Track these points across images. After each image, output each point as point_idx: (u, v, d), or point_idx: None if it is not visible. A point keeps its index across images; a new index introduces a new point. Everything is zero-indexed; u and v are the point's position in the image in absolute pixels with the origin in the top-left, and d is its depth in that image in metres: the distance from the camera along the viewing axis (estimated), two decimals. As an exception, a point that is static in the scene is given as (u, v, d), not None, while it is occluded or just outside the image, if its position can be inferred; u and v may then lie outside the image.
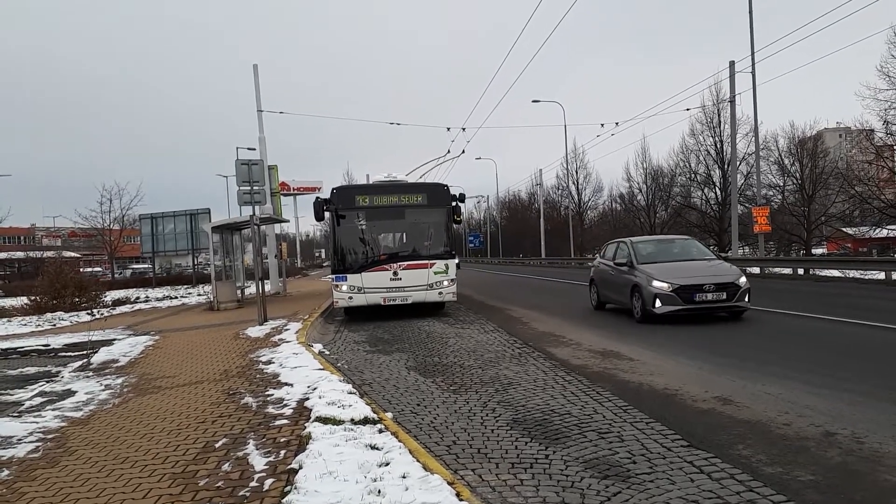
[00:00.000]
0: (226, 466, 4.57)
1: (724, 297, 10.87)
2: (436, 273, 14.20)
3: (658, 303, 11.02)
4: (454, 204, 14.65)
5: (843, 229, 41.03)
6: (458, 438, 5.18)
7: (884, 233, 33.93)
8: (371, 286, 13.97)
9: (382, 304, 14.05)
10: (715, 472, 4.15)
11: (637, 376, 7.21)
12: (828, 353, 7.97)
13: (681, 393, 6.32)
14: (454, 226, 15.09)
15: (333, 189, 14.91)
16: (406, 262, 14.16)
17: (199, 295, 27.59)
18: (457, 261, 14.93)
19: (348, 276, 14.04)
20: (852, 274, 21.51)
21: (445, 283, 14.31)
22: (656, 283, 11.12)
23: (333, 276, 14.52)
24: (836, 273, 22.53)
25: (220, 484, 4.23)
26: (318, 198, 14.42)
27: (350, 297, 14.04)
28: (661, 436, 4.95)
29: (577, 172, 58.10)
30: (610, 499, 3.84)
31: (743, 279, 11.22)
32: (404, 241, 15.48)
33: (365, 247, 14.44)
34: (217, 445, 5.08)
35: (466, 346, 9.96)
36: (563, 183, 58.99)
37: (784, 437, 4.81)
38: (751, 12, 24.37)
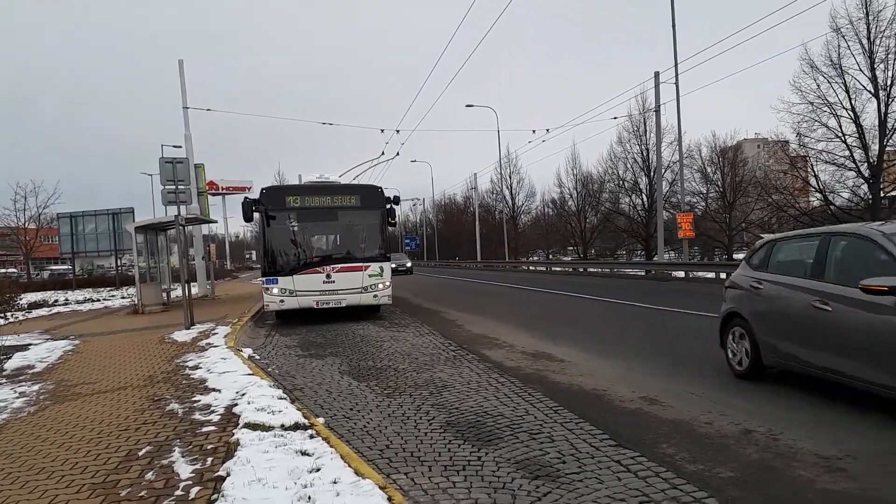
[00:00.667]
0: (149, 475, 4.39)
1: None
2: (370, 276, 14.05)
3: None
4: (388, 206, 14.51)
5: (762, 235, 43.11)
6: (392, 442, 5.15)
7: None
8: (303, 289, 13.71)
9: (315, 307, 13.78)
10: (641, 470, 4.27)
11: (568, 377, 7.36)
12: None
13: (609, 393, 6.49)
14: (389, 228, 14.95)
15: (263, 189, 14.53)
16: (340, 265, 13.99)
17: (123, 297, 26.47)
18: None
19: (279, 278, 13.74)
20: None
21: (380, 285, 14.17)
22: None
23: (264, 278, 14.12)
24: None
25: (143, 494, 4.06)
26: (246, 198, 13.99)
27: (281, 301, 13.72)
28: (590, 436, 5.06)
29: (510, 177, 58.86)
30: (540, 499, 3.90)
31: None
32: (338, 243, 15.28)
33: (296, 249, 14.15)
34: (140, 454, 4.88)
35: (401, 349, 9.93)
36: (498, 187, 59.68)
37: (706, 435, 5.01)
38: (674, 25, 25.31)
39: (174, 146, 24.84)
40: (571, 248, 55.57)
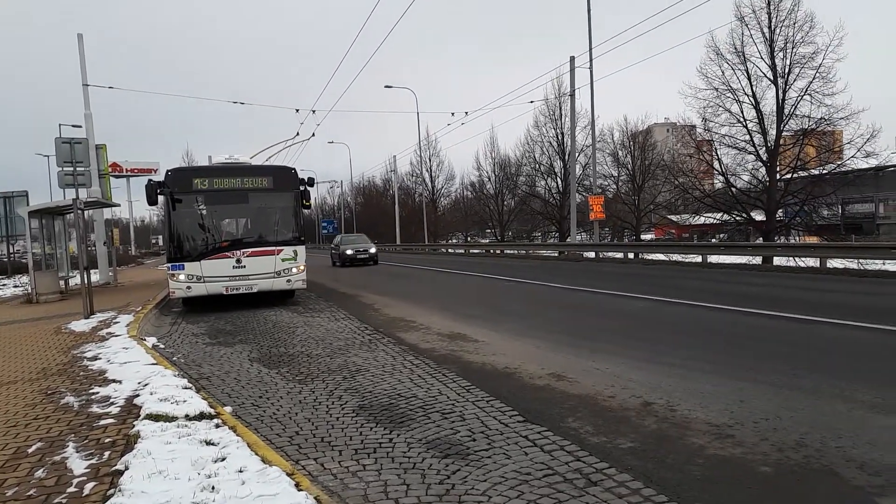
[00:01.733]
0: (39, 473, 4.14)
1: None
2: (283, 260, 13.71)
3: None
4: (302, 188, 14.11)
5: (669, 217, 45.16)
6: (302, 429, 5.07)
7: (702, 220, 37.75)
8: (211, 275, 13.22)
9: (224, 293, 13.35)
10: (547, 444, 4.40)
11: (481, 357, 7.47)
12: (651, 331, 8.73)
13: (519, 371, 6.64)
14: (303, 211, 14.53)
15: (168, 171, 13.72)
16: (250, 249, 13.52)
17: (16, 286, 24.76)
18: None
19: (186, 264, 13.17)
20: (676, 258, 23.76)
21: (294, 270, 13.85)
22: None
23: (169, 264, 13.48)
24: (661, 256, 24.80)
25: (31, 492, 3.83)
26: (150, 180, 13.27)
27: (188, 287, 13.17)
28: (500, 413, 5.17)
29: (430, 160, 59.01)
30: (449, 476, 3.95)
31: None
32: (248, 227, 14.65)
33: (204, 233, 13.54)
34: (30, 451, 4.59)
35: (315, 334, 9.79)
36: (417, 170, 59.68)
37: (609, 408, 5.21)
38: (589, 10, 25.92)
39: (73, 126, 23.29)
40: (489, 230, 56.42)
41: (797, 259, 20.76)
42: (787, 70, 25.92)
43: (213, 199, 13.64)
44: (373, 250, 30.04)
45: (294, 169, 14.48)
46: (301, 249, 14.12)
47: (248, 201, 14.04)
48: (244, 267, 13.37)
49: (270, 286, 13.65)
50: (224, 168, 14.28)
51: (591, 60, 26.01)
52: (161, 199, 13.43)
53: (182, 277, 13.16)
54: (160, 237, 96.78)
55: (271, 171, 14.74)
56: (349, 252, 29.57)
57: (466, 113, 37.06)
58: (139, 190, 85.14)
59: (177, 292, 13.33)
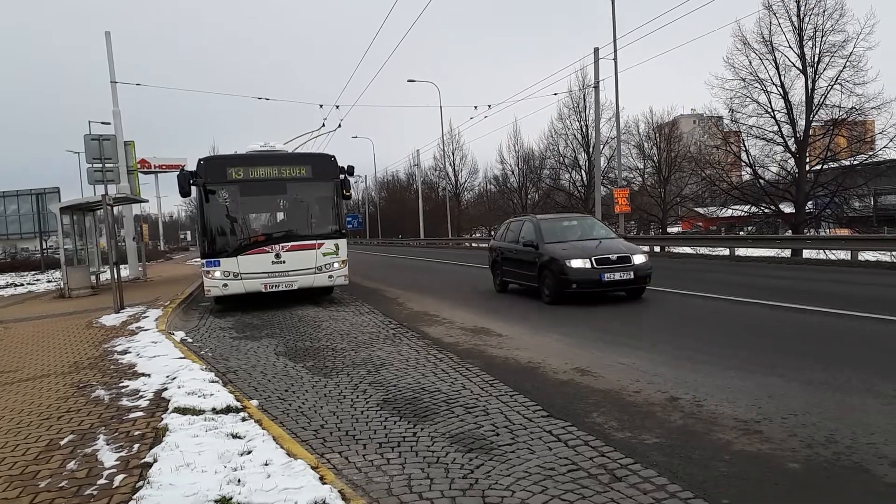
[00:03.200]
0: (71, 465, 4.24)
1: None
2: (325, 254, 12.87)
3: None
4: (342, 177, 13.19)
5: (696, 209, 44.58)
6: (327, 422, 5.11)
7: (729, 212, 37.22)
8: (249, 271, 12.45)
9: (263, 290, 12.56)
10: (571, 439, 4.38)
11: (504, 351, 7.46)
12: (677, 325, 8.63)
13: (543, 366, 6.61)
14: (344, 202, 13.52)
15: (200, 160, 12.64)
16: (290, 243, 12.71)
17: (49, 281, 25.36)
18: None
19: (222, 260, 12.37)
20: (702, 251, 23.44)
21: (336, 265, 12.99)
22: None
23: (203, 261, 12.64)
24: (688, 250, 24.47)
25: (63, 484, 3.91)
26: (182, 169, 12.64)
27: (225, 285, 12.39)
28: (524, 407, 5.15)
29: (453, 154, 58.93)
30: (473, 471, 3.95)
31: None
32: (287, 219, 13.91)
33: (240, 226, 12.90)
34: (62, 443, 4.70)
35: (340, 328, 9.85)
36: (441, 164, 59.65)
37: (634, 403, 5.16)
38: (613, 1, 25.60)
39: (103, 123, 23.69)
40: (513, 224, 56.08)
41: (827, 252, 20.34)
42: (816, 59, 25.35)
43: (249, 190, 12.91)
44: (641, 259, 11.30)
45: (334, 157, 13.46)
46: (343, 243, 13.32)
47: (286, 192, 13.38)
48: (283, 262, 12.61)
49: (311, 282, 12.90)
50: (260, 156, 13.31)
51: (615, 51, 25.71)
52: (194, 190, 12.60)
53: (218, 275, 12.41)
54: (188, 232, 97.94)
55: (310, 159, 13.78)
56: (579, 265, 11.06)
57: (489, 106, 37.14)
58: (168, 186, 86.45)
59: (212, 290, 12.53)
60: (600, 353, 7.03)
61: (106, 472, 4.04)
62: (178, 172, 12.66)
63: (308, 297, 14.18)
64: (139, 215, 31.09)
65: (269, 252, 12.60)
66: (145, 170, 58.48)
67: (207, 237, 12.64)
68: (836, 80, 24.95)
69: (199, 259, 14.01)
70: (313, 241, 12.89)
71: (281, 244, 12.71)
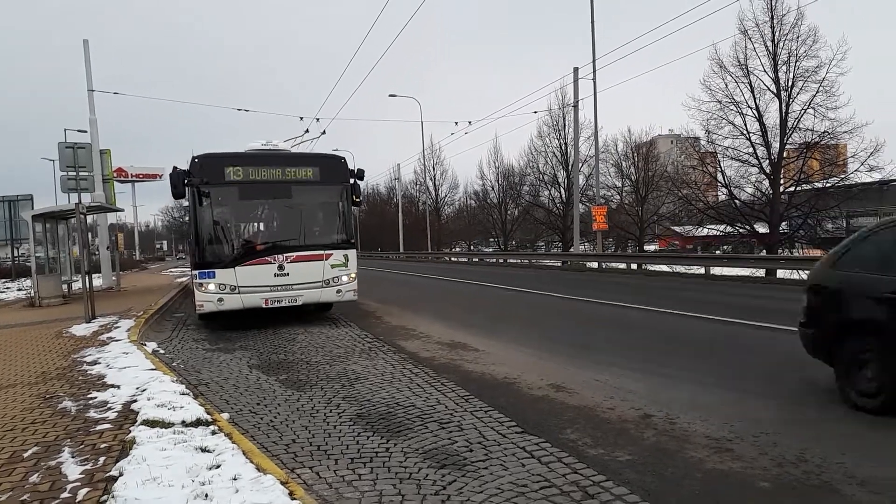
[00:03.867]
0: (34, 478, 4.12)
1: None
2: (333, 266, 11.54)
3: None
4: (353, 181, 11.97)
5: (672, 228, 45.11)
6: (298, 436, 5.05)
7: (705, 231, 37.70)
8: (249, 284, 10.96)
9: (264, 306, 11.13)
10: (544, 456, 4.37)
11: (480, 366, 7.44)
12: (652, 343, 8.68)
13: (519, 381, 6.61)
14: (353, 208, 12.32)
15: (195, 157, 11.10)
16: (295, 253, 11.28)
17: (20, 290, 24.81)
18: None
19: (217, 271, 10.89)
20: (678, 269, 23.67)
21: (345, 278, 11.71)
22: None
23: (196, 272, 11.13)
24: (664, 268, 24.70)
25: (25, 497, 3.80)
26: (175, 168, 11.05)
27: (220, 300, 10.88)
28: (498, 423, 5.13)
29: (434, 168, 59.01)
30: (445, 487, 3.92)
31: None
32: (291, 226, 12.10)
33: (239, 233, 11.75)
34: (26, 455, 4.57)
35: (315, 342, 9.76)
36: (421, 178, 59.72)
37: (608, 420, 5.17)
38: (592, 23, 26.01)
39: (79, 131, 23.40)
40: (493, 239, 56.40)
41: (800, 272, 20.66)
42: (790, 83, 25.91)
43: (249, 193, 11.60)
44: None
45: (344, 158, 12.20)
46: (352, 254, 12.00)
47: (291, 195, 11.73)
48: (287, 275, 11.18)
49: (318, 297, 11.54)
50: (262, 156, 11.84)
51: (594, 72, 26.04)
52: (188, 191, 11.15)
53: (212, 287, 10.89)
54: (165, 242, 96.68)
55: (319, 160, 12.39)
56: None
57: (470, 122, 37.43)
58: (144, 195, 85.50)
59: (205, 306, 10.96)
60: (575, 368, 7.05)
61: (70, 486, 3.94)
62: (172, 169, 11.21)
63: (290, 310, 14.00)
64: (115, 224, 30.71)
65: (271, 263, 11.16)
66: (122, 179, 57.93)
67: (201, 245, 11.14)
68: (810, 104, 25.52)
69: (189, 269, 13.08)
70: (321, 252, 11.52)
71: (285, 254, 11.25)
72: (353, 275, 11.86)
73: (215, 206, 11.28)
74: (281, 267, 11.14)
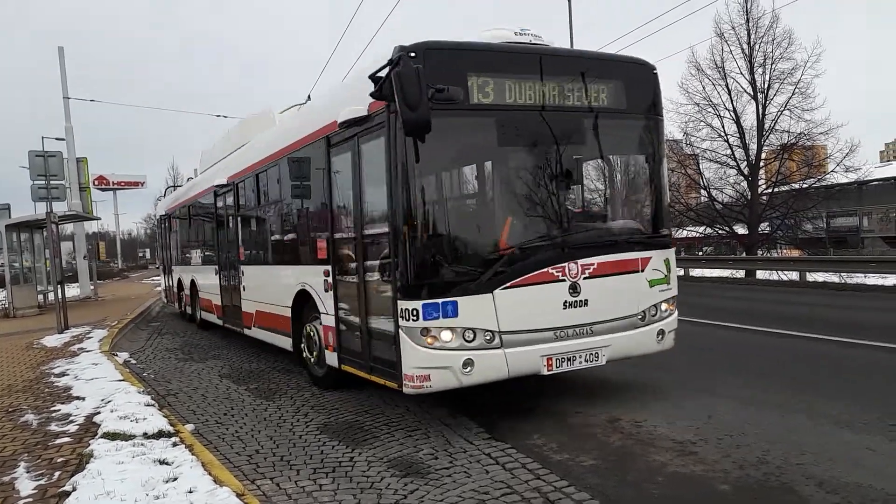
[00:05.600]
0: (-15, 495, 4.03)
1: None
2: (651, 283, 5.88)
3: None
4: (660, 115, 6.43)
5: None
6: (262, 447, 4.97)
7: (685, 233, 37.94)
8: (520, 327, 5.19)
9: (545, 372, 5.31)
10: (509, 462, 4.33)
11: (453, 373, 7.38)
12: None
13: (489, 386, 6.55)
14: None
15: (409, 49, 4.87)
16: (595, 259, 5.52)
17: (-5, 301, 24.47)
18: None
19: (461, 301, 4.98)
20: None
21: (664, 305, 5.99)
22: None
23: (406, 303, 4.94)
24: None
25: (-27, 516, 3.72)
26: (391, 62, 4.76)
27: (467, 364, 4.93)
28: (466, 430, 5.10)
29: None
30: (406, 497, 3.87)
31: None
32: (582, 202, 6.48)
33: (497, 217, 5.93)
34: (-21, 472, 4.47)
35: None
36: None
37: (575, 424, 5.16)
38: (571, 27, 26.04)
39: (57, 139, 23.04)
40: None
41: (779, 272, 20.84)
42: (766, 85, 26.14)
43: (512, 130, 5.75)
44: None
45: (655, 68, 6.34)
46: (671, 255, 6.23)
47: (583, 140, 6.03)
48: (585, 303, 5.43)
49: (632, 348, 5.75)
50: (532, 51, 5.69)
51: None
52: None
53: (448, 337, 4.95)
54: (147, 250, 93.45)
55: (620, 66, 6.26)
56: None
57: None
58: (126, 203, 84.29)
59: (434, 378, 4.92)
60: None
61: (21, 502, 3.86)
62: (392, 65, 4.74)
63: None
64: (96, 233, 30.34)
65: (558, 280, 5.35)
66: (103, 187, 57.29)
67: (416, 242, 5.02)
68: (786, 105, 25.74)
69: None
70: (634, 255, 5.86)
71: (579, 261, 5.45)
72: (674, 297, 6.16)
73: (448, 154, 5.80)
74: (574, 288, 5.41)
